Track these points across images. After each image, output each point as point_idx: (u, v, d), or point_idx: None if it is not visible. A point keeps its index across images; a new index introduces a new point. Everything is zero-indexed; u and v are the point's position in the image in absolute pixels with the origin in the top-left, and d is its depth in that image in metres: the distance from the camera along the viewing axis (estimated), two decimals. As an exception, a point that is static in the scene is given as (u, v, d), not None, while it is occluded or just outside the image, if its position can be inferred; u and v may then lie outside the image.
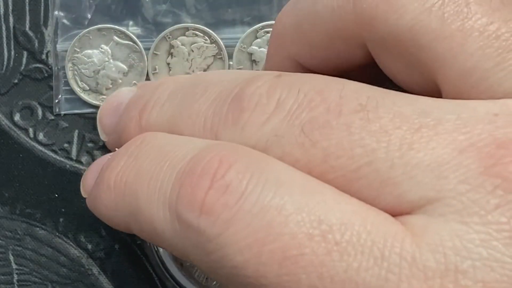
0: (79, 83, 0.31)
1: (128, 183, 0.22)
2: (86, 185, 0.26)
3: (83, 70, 0.31)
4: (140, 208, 0.21)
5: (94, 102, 0.31)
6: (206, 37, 0.31)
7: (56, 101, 0.31)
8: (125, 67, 0.31)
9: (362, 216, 0.18)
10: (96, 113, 0.31)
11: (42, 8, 0.31)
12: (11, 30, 0.31)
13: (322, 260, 0.17)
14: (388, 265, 0.17)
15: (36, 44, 0.31)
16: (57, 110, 0.31)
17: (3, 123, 0.31)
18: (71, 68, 0.31)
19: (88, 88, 0.31)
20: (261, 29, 0.31)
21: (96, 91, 0.31)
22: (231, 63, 0.31)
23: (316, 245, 0.18)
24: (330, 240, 0.18)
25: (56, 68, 0.31)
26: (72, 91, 0.31)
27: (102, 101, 0.31)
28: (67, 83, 0.31)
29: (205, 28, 0.31)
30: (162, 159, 0.21)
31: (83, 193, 0.27)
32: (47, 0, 0.31)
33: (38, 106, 0.31)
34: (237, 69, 0.31)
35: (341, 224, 0.18)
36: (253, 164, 0.19)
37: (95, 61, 0.31)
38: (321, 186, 0.19)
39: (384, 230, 0.18)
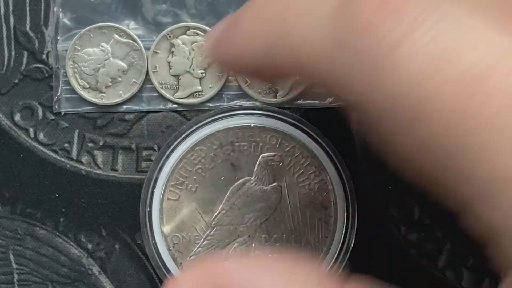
0: (79, 81, 0.31)
1: (274, 3, 0.19)
2: (216, 29, 0.22)
3: (83, 68, 0.31)
4: (287, 28, 0.18)
5: (93, 100, 0.31)
6: (207, 36, 0.31)
7: (56, 99, 0.31)
8: (125, 65, 0.31)
9: None
10: (95, 111, 0.31)
11: (43, 8, 0.32)
12: (12, 30, 0.32)
13: None
14: None
15: (37, 44, 0.31)
16: (56, 108, 0.31)
17: (4, 123, 0.31)
18: (71, 66, 0.31)
19: (88, 86, 0.31)
20: (261, 28, 0.31)
21: (95, 89, 0.31)
22: (231, 63, 0.31)
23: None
24: None
25: (56, 66, 0.31)
26: (72, 90, 0.31)
27: (102, 99, 0.31)
28: (67, 82, 0.31)
29: (206, 27, 0.31)
30: None
31: (209, 48, 0.23)
32: (47, 0, 0.31)
33: (38, 106, 0.31)
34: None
35: None
36: None
37: (95, 59, 0.31)
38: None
39: None
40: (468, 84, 0.15)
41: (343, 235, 0.30)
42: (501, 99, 0.15)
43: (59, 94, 0.31)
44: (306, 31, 0.17)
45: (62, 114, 0.31)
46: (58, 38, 0.31)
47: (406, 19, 0.16)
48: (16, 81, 0.31)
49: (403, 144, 0.16)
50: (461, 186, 0.16)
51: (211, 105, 0.31)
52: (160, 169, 0.30)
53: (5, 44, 0.31)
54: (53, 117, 0.31)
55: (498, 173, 0.15)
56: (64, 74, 0.31)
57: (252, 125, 0.30)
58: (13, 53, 0.31)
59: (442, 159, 0.16)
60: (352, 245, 0.29)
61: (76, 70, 0.31)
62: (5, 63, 0.31)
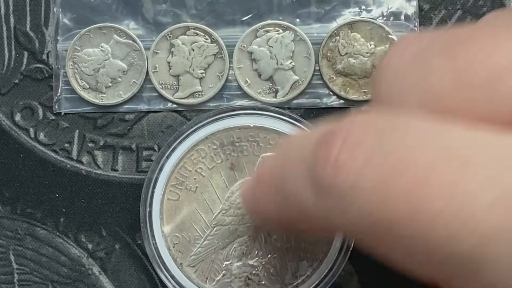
0: (79, 81, 0.31)
1: (278, 174, 0.24)
2: (245, 201, 0.27)
3: (83, 69, 0.31)
4: (287, 191, 0.23)
5: (93, 100, 0.31)
6: (207, 36, 0.31)
7: (56, 99, 0.31)
8: (124, 65, 0.31)
9: (491, 139, 0.18)
10: (95, 112, 0.31)
11: (43, 8, 0.32)
12: (12, 30, 0.32)
13: (449, 182, 0.18)
14: None
15: (37, 44, 0.31)
16: (56, 108, 0.31)
17: (4, 123, 0.31)
18: (71, 67, 0.31)
19: (88, 86, 0.31)
20: (260, 28, 0.31)
21: (96, 89, 0.31)
22: (231, 65, 0.31)
23: (442, 170, 0.18)
24: (455, 163, 0.18)
25: (56, 67, 0.31)
26: (72, 90, 0.31)
27: (102, 99, 0.31)
28: (67, 82, 0.31)
29: (206, 27, 0.31)
30: (305, 141, 0.22)
31: (243, 203, 0.28)
32: (47, 0, 0.31)
33: (38, 106, 0.31)
34: (237, 68, 0.31)
35: (468, 147, 0.18)
36: (384, 120, 0.20)
37: (95, 60, 0.31)
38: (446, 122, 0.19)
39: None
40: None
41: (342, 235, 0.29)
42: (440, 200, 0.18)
43: (59, 94, 0.31)
44: (300, 192, 0.21)
45: (62, 114, 0.31)
46: (58, 38, 0.31)
47: (358, 159, 0.19)
48: (17, 81, 0.31)
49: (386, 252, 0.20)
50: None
51: (211, 105, 0.31)
52: (160, 169, 0.30)
53: (5, 44, 0.31)
54: (53, 117, 0.31)
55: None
56: (64, 74, 0.31)
57: (252, 125, 0.30)
58: (13, 53, 0.31)
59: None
60: (352, 245, 0.29)
61: (76, 70, 0.31)
62: (5, 63, 0.31)
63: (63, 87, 0.31)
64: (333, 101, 0.31)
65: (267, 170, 0.25)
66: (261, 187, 0.25)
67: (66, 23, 0.31)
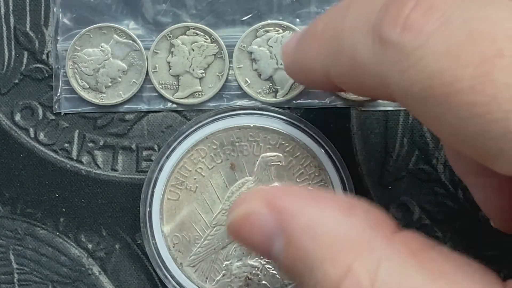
0: (79, 81, 0.31)
1: (334, 24, 0.23)
2: (286, 51, 0.27)
3: (83, 69, 0.31)
4: (343, 42, 0.22)
5: (93, 100, 0.31)
6: (207, 36, 0.31)
7: (56, 99, 0.31)
8: (124, 65, 0.31)
9: None
10: (95, 111, 0.31)
11: (43, 8, 0.32)
12: (12, 30, 0.32)
13: None
14: None
15: (37, 44, 0.31)
16: (56, 108, 0.31)
17: (4, 123, 0.31)
18: (71, 66, 0.31)
19: (87, 86, 0.31)
20: (260, 28, 0.31)
21: (95, 89, 0.31)
22: (231, 65, 0.31)
23: None
24: None
25: (56, 67, 0.31)
26: (72, 90, 0.31)
27: (102, 99, 0.31)
28: (67, 82, 0.31)
29: (206, 27, 0.31)
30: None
31: (283, 59, 0.27)
32: (47, 1, 0.31)
33: (38, 106, 0.31)
34: (237, 68, 0.31)
35: None
36: None
37: (95, 60, 0.31)
38: None
39: None
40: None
41: (342, 235, 0.29)
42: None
43: (59, 94, 0.31)
44: (357, 47, 0.22)
45: (62, 114, 0.31)
46: (58, 38, 0.31)
47: (434, 18, 0.19)
48: (16, 81, 0.31)
49: (438, 125, 0.20)
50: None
51: (211, 104, 0.31)
52: (160, 169, 0.30)
53: (5, 44, 0.31)
54: (53, 117, 0.31)
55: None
56: (64, 74, 0.31)
57: (252, 125, 0.30)
58: (13, 53, 0.31)
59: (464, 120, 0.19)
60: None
61: (76, 70, 0.31)
62: (5, 63, 0.31)
63: (63, 87, 0.31)
64: (332, 101, 0.31)
65: (321, 22, 0.24)
66: (311, 38, 0.25)
67: (66, 23, 0.31)
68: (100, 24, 0.31)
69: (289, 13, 0.31)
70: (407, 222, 0.31)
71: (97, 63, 0.31)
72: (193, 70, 0.31)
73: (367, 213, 0.21)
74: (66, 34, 0.31)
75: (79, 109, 0.31)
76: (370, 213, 0.21)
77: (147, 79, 0.31)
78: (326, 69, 0.24)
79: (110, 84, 0.31)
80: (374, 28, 0.21)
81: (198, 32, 0.31)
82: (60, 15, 0.31)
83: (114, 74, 0.31)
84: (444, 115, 0.19)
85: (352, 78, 0.23)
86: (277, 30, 0.31)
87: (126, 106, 0.31)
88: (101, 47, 0.31)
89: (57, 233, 0.31)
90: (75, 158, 0.31)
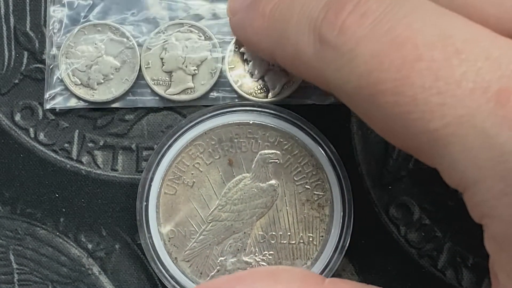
0: (71, 77, 0.31)
1: (281, 12, 0.25)
2: (233, 7, 0.29)
3: (76, 65, 0.31)
4: (288, 33, 0.24)
5: (85, 96, 0.31)
6: (201, 34, 0.31)
7: (48, 96, 0.31)
8: (117, 63, 0.31)
9: (490, 38, 0.20)
10: (86, 107, 0.31)
11: (43, 8, 0.32)
12: (12, 30, 0.32)
13: (439, 65, 0.20)
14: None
15: (37, 44, 0.32)
16: (47, 104, 0.31)
17: (4, 123, 0.32)
18: (64, 62, 0.31)
19: (79, 82, 0.31)
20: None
21: (87, 85, 0.31)
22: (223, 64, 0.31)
23: (435, 53, 0.20)
24: (450, 49, 0.20)
25: (50, 63, 0.31)
26: (64, 86, 0.31)
27: (93, 95, 0.31)
28: (59, 78, 0.31)
29: (200, 24, 0.31)
30: None
31: (229, 13, 0.29)
32: (47, 1, 0.32)
33: (38, 106, 0.31)
34: (229, 68, 0.31)
35: (465, 39, 0.20)
36: None
37: (88, 56, 0.31)
38: (453, 13, 0.21)
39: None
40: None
41: (338, 235, 0.29)
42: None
43: (52, 91, 0.31)
44: (300, 40, 0.24)
45: (57, 110, 0.31)
46: (54, 35, 0.31)
47: (366, 20, 0.21)
48: (16, 81, 0.32)
49: (374, 119, 0.22)
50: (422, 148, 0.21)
51: (203, 101, 0.31)
52: (159, 163, 0.30)
53: (5, 44, 0.32)
54: (53, 117, 0.31)
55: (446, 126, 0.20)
56: (57, 69, 0.31)
57: (251, 122, 0.30)
58: (13, 53, 0.32)
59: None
60: (347, 244, 0.29)
61: (69, 66, 0.31)
62: (5, 63, 0.32)
63: (56, 83, 0.31)
64: (325, 100, 0.31)
65: (271, 5, 0.26)
66: (260, 14, 0.26)
67: (62, 20, 0.31)
68: (94, 21, 0.31)
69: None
70: (407, 222, 0.30)
71: (90, 60, 0.31)
72: (186, 66, 0.31)
73: (291, 273, 0.24)
74: (62, 32, 0.31)
75: (70, 105, 0.31)
76: (294, 271, 0.25)
77: (139, 75, 0.31)
78: (271, 49, 0.26)
79: (102, 81, 0.31)
80: (315, 27, 0.23)
81: (192, 29, 0.31)
82: (57, 12, 0.31)
83: (106, 71, 0.31)
84: (373, 112, 0.21)
85: (296, 66, 0.25)
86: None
87: (117, 102, 0.31)
88: (95, 44, 0.31)
89: (57, 233, 0.31)
90: (75, 158, 0.31)
